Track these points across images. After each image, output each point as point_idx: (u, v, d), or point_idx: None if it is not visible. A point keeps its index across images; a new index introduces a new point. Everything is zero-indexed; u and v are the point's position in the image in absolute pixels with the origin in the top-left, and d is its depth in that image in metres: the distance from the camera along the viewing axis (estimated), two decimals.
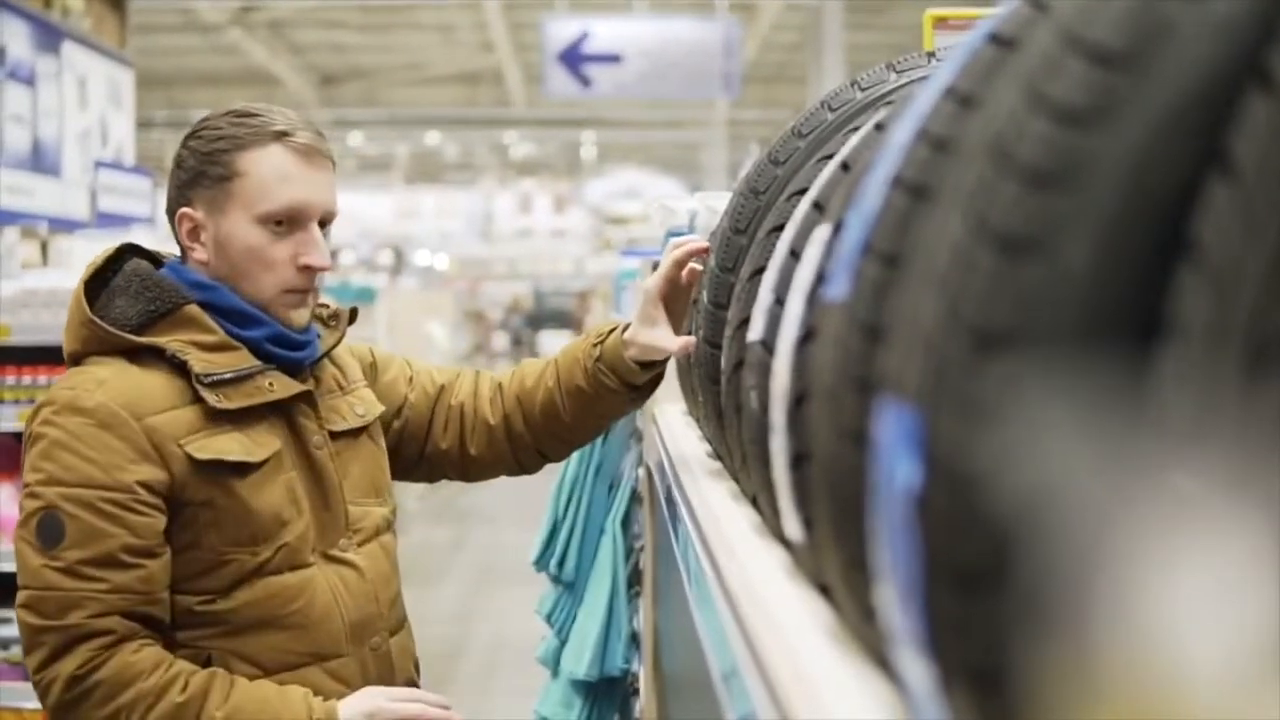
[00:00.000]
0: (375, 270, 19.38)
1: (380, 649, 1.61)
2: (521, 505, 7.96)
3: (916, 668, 0.50)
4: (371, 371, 1.75)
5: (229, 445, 1.50)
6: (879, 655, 0.65)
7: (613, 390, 1.67)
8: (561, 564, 2.35)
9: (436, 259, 22.40)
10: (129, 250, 1.60)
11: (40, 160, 6.36)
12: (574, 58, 9.55)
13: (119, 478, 1.45)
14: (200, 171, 1.53)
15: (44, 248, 5.08)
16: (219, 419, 1.50)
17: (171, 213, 1.57)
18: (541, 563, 2.40)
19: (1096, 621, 0.36)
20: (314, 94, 17.48)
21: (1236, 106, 0.38)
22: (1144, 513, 0.34)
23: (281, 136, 1.54)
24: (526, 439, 1.75)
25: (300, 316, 1.58)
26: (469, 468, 1.79)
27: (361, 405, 1.68)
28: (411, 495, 8.48)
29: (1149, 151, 0.40)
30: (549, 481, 2.44)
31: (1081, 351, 0.40)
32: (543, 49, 9.62)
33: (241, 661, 1.50)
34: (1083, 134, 0.42)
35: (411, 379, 1.77)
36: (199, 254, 1.55)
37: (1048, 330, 0.41)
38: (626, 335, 1.66)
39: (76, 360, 1.55)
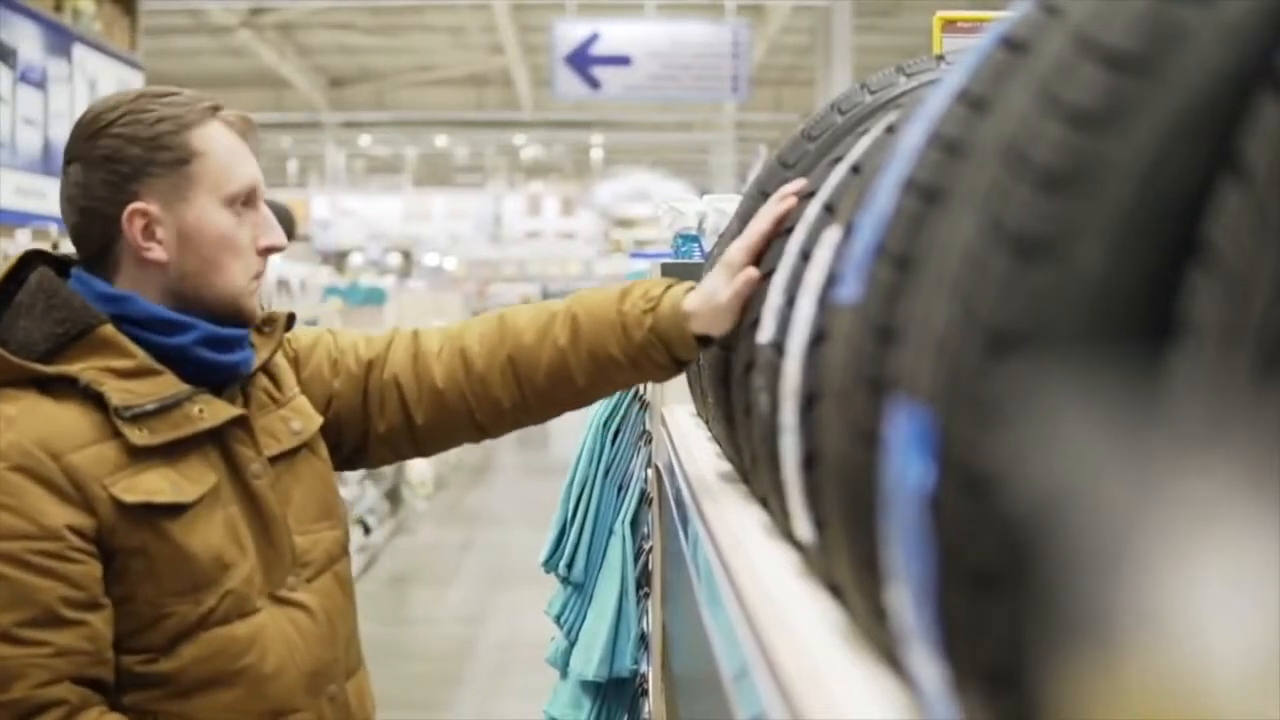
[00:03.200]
0: (384, 272, 19.42)
1: (338, 698, 1.45)
2: (530, 506, 7.97)
3: (929, 668, 0.50)
4: (294, 367, 1.54)
5: (158, 484, 1.33)
6: (891, 656, 0.65)
7: (658, 365, 1.43)
8: (570, 565, 2.35)
9: (445, 260, 22.44)
10: (35, 258, 1.42)
11: (51, 162, 6.38)
12: (583, 59, 9.55)
13: (45, 524, 1.27)
14: (148, 160, 1.35)
15: (55, 249, 5.10)
16: (145, 454, 1.33)
17: (106, 215, 1.37)
18: (550, 563, 2.41)
19: (1110, 622, 0.36)
20: (323, 96, 17.52)
21: (1248, 109, 0.38)
22: (1157, 514, 0.34)
23: (215, 111, 1.40)
24: (505, 403, 1.50)
25: (257, 306, 1.44)
26: (422, 441, 1.56)
27: (298, 419, 1.48)
28: (419, 495, 8.49)
29: (1161, 154, 0.41)
30: (558, 482, 2.45)
31: (1094, 353, 0.41)
32: (552, 51, 9.63)
33: None
34: (1095, 137, 0.42)
35: (336, 363, 1.55)
36: (155, 254, 1.37)
37: (1061, 332, 0.41)
38: (690, 306, 1.38)
39: None
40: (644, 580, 2.31)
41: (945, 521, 0.46)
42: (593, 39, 9.56)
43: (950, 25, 1.79)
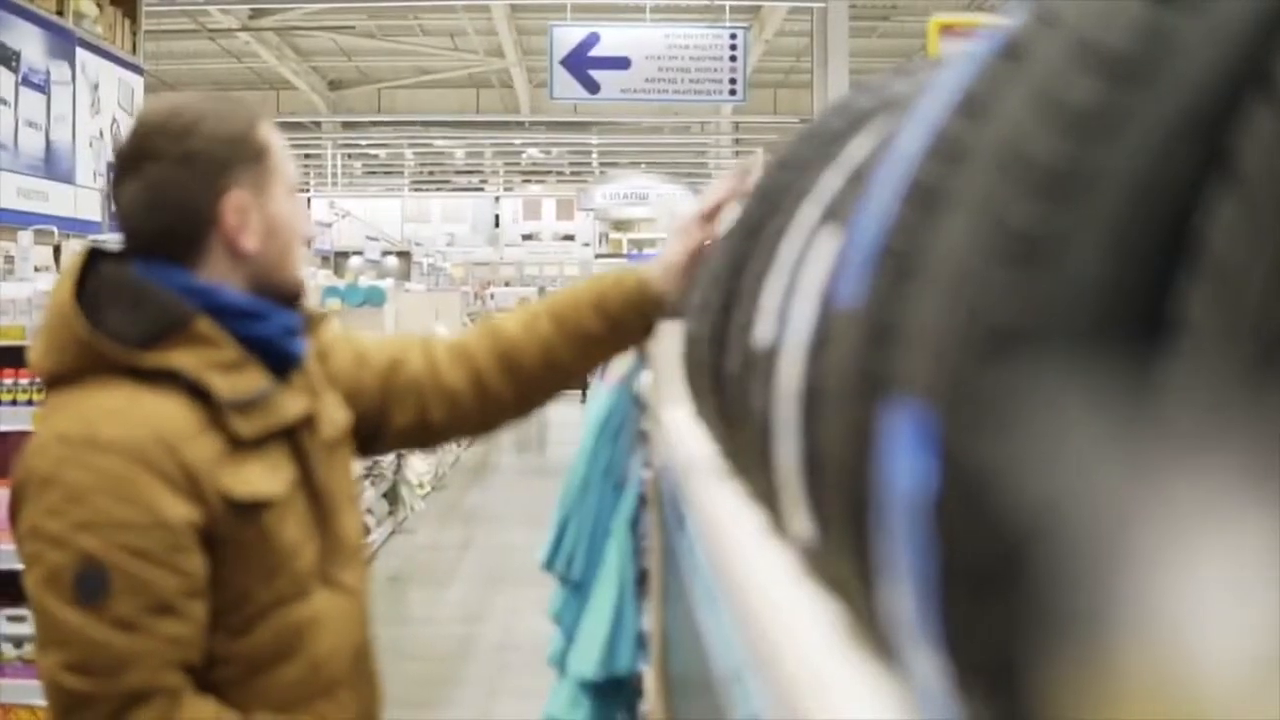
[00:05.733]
0: (384, 274, 19.39)
1: (372, 675, 1.55)
2: (528, 506, 7.97)
3: (928, 668, 0.51)
4: (319, 360, 1.60)
5: (257, 478, 1.39)
6: (889, 656, 0.65)
7: (631, 328, 1.64)
8: (569, 564, 2.36)
9: (444, 262, 22.42)
10: (95, 253, 1.45)
11: (53, 164, 6.39)
12: (581, 62, 9.55)
13: (164, 518, 1.31)
14: (233, 155, 1.42)
15: (57, 251, 5.11)
16: (240, 448, 1.38)
17: (199, 211, 1.40)
18: (550, 563, 2.41)
19: (1109, 622, 0.36)
20: (322, 98, 17.52)
21: (1242, 113, 0.38)
22: (1155, 514, 0.35)
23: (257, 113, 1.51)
24: (506, 396, 1.66)
25: None
26: (429, 437, 1.70)
27: (337, 410, 1.57)
28: (418, 495, 8.49)
29: (1156, 158, 0.41)
30: (555, 482, 2.45)
31: (1092, 354, 0.41)
32: (550, 53, 9.63)
33: (254, 701, 1.40)
34: (1091, 141, 0.42)
35: (359, 358, 1.65)
36: (249, 243, 1.43)
37: (1059, 333, 0.42)
38: (658, 273, 1.62)
39: (58, 381, 1.38)
40: (642, 580, 2.31)
41: (944, 521, 0.46)
42: (591, 41, 9.56)
43: (946, 29, 1.80)
